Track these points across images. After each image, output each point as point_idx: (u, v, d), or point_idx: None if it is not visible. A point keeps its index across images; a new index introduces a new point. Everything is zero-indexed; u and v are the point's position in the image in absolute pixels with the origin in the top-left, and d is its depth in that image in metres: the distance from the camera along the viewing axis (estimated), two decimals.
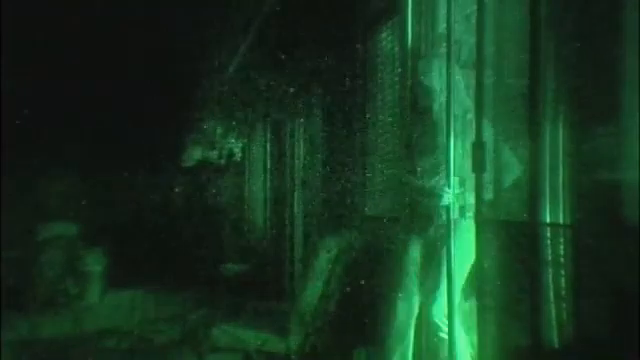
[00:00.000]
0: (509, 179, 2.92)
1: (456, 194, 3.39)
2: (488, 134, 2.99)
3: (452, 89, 3.13)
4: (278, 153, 7.21)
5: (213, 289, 7.12)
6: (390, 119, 4.17)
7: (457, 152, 3.19)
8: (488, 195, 2.94)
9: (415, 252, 3.25)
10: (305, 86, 5.72)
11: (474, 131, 2.99)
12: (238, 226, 9.14)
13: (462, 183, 3.41)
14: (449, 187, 3.35)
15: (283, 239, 6.96)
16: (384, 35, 4.32)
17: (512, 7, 2.96)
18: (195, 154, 9.34)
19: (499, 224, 2.78)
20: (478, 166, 2.93)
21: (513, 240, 2.68)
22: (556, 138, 2.58)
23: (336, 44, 4.71)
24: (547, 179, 2.59)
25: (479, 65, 3.07)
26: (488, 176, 2.92)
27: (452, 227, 3.14)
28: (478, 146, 2.96)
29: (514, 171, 2.90)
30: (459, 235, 3.03)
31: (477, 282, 2.91)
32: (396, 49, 3.99)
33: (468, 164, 3.01)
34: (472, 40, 3.45)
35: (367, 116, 4.49)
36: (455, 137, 3.11)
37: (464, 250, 3.01)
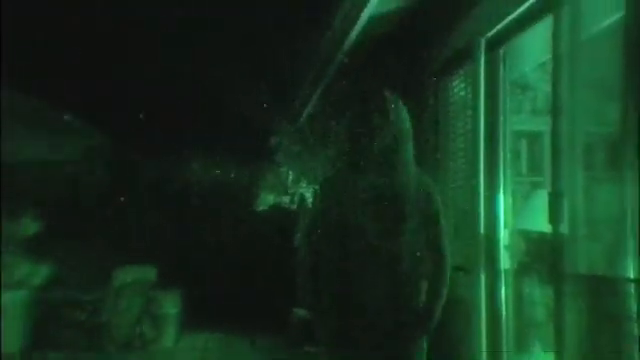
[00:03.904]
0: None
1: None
2: (566, 183, 2.92)
3: None
4: None
5: (285, 334, 7.12)
6: (463, 166, 4.14)
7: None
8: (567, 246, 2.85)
9: None
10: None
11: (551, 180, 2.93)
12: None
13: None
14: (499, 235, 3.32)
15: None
16: (456, 83, 4.32)
17: (590, 54, 2.91)
18: (268, 199, 9.51)
19: (578, 277, 2.69)
20: (555, 217, 2.85)
21: (594, 294, 2.58)
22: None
23: (407, 93, 4.73)
24: (630, 230, 2.50)
25: (555, 113, 3.02)
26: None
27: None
28: (555, 196, 2.89)
29: None
30: None
31: (556, 337, 2.81)
32: (469, 96, 3.98)
33: None
34: (547, 88, 3.42)
35: (440, 164, 4.46)
36: None
37: None
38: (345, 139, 2.57)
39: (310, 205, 2.53)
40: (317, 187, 2.71)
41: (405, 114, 2.53)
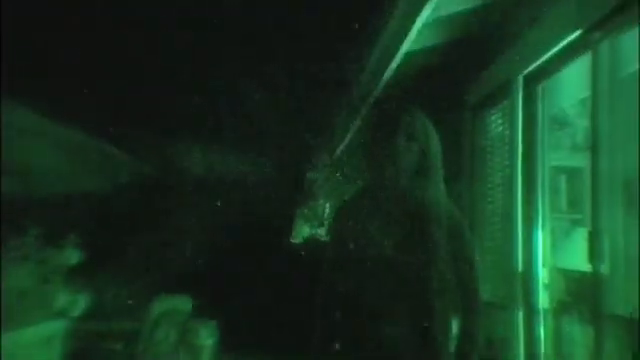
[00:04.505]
0: None
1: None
2: (606, 220, 2.87)
3: None
4: None
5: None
6: (501, 202, 4.10)
7: None
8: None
9: None
10: None
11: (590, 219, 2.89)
12: None
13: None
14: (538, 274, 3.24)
15: None
16: (494, 118, 4.30)
17: (630, 91, 2.88)
18: (304, 230, 9.53)
19: (619, 319, 2.62)
20: (595, 256, 2.80)
21: (635, 336, 2.51)
22: None
23: (445, 128, 4.73)
24: None
25: (594, 149, 2.99)
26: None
27: None
28: (595, 234, 2.84)
29: None
30: None
31: None
32: (507, 132, 3.97)
33: None
34: (585, 124, 3.40)
35: (477, 199, 4.42)
36: None
37: None
38: (367, 159, 2.24)
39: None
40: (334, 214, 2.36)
41: (434, 135, 2.21)
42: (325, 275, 2.24)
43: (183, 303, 6.73)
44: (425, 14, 3.74)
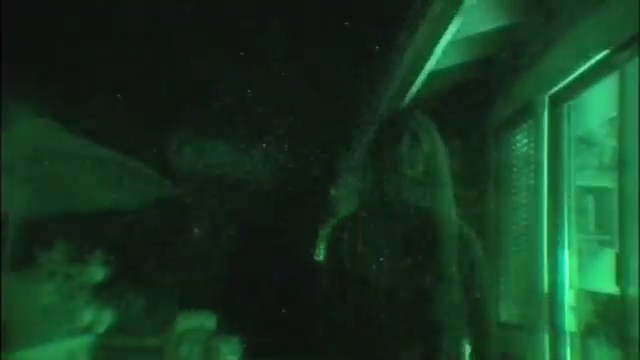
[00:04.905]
0: None
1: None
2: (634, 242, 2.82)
3: None
4: None
5: None
6: (526, 222, 4.06)
7: None
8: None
9: None
10: None
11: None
12: None
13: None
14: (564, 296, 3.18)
15: None
16: (518, 138, 4.28)
17: None
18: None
19: None
20: (623, 277, 2.75)
21: None
22: None
23: (468, 148, 4.72)
24: None
25: (622, 170, 2.95)
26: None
27: None
28: (623, 257, 2.80)
29: None
30: None
31: None
32: (532, 152, 3.94)
33: None
34: (613, 144, 3.36)
35: (501, 220, 4.39)
36: None
37: None
38: (367, 171, 2.10)
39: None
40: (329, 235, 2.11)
41: (440, 141, 2.04)
42: (325, 297, 2.11)
43: (207, 320, 6.75)
44: (450, 33, 3.74)
